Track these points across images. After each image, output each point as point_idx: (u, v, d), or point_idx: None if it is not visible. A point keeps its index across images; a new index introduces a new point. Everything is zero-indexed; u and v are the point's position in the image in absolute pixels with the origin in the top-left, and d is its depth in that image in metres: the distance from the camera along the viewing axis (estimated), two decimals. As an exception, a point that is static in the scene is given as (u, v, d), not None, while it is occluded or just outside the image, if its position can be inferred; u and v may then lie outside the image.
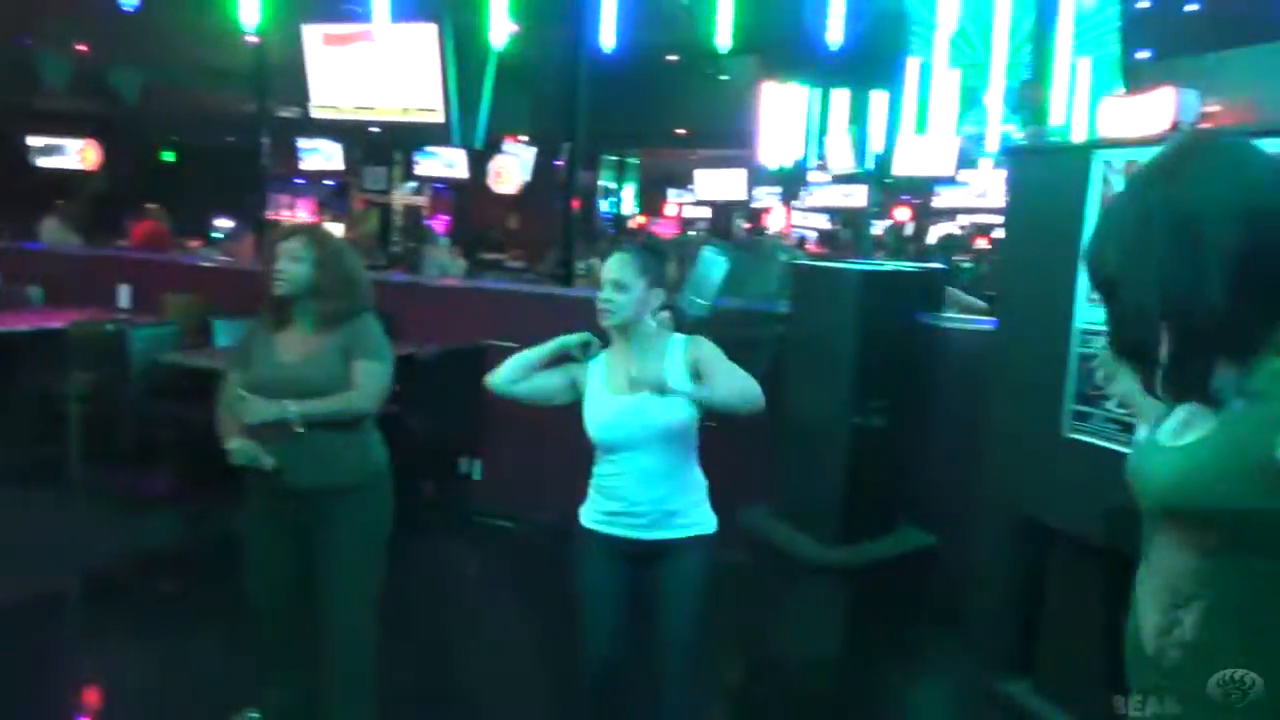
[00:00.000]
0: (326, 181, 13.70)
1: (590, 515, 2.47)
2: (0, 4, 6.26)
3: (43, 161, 11.85)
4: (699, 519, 2.44)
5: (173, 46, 7.73)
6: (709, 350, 2.39)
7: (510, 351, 2.51)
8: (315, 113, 5.45)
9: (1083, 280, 2.76)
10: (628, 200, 15.01)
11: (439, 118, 5.26)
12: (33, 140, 11.25)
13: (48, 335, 5.33)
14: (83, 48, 7.62)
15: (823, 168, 12.59)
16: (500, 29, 4.72)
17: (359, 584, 2.63)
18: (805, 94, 12.04)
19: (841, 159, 11.88)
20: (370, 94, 5.34)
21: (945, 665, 3.87)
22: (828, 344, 3.85)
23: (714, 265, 3.94)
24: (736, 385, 2.30)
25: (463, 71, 5.22)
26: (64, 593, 4.18)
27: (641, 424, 2.33)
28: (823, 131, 12.22)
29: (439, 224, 11.69)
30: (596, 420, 2.40)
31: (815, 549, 3.83)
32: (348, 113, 5.41)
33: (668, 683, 2.42)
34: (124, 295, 6.18)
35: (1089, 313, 2.80)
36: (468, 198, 12.39)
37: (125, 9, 4.50)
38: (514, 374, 2.47)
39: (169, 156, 13.30)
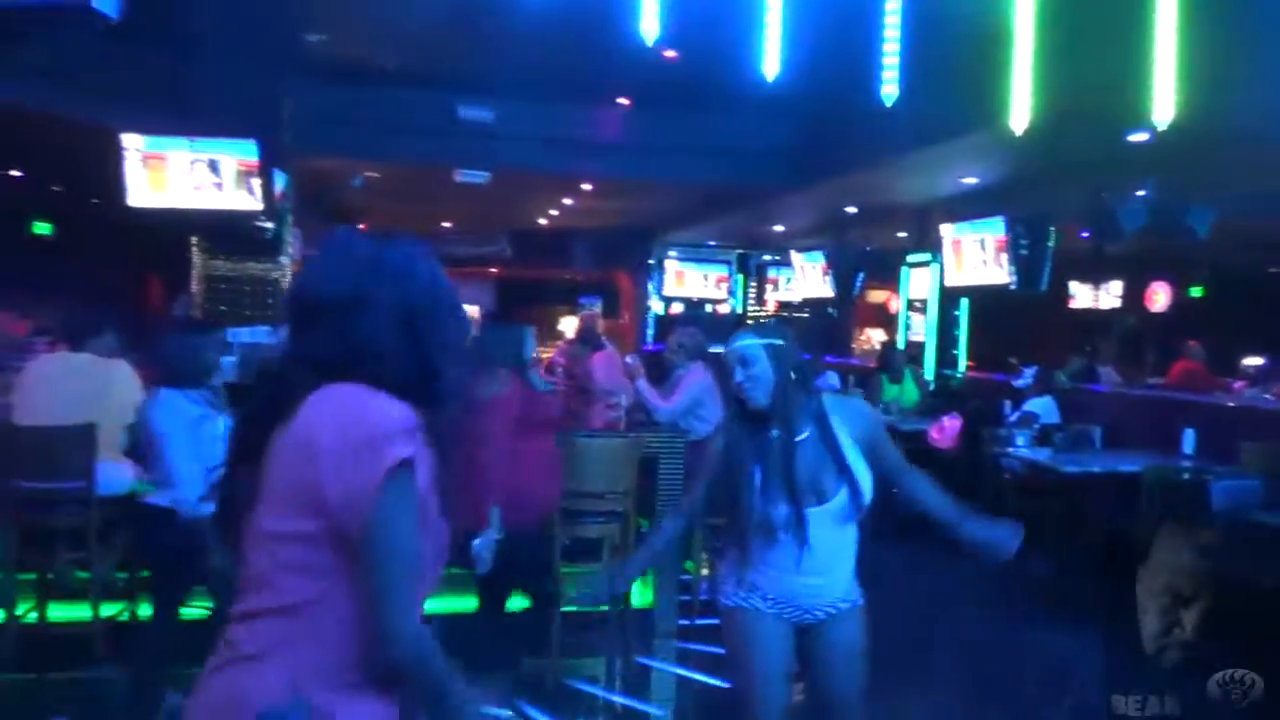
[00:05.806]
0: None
1: None
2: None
3: (1077, 304, 12.68)
4: None
5: (1252, 177, 7.44)
6: None
7: None
8: None
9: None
10: None
11: None
12: (1075, 284, 12.17)
13: (1117, 477, 5.45)
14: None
15: None
16: None
17: None
18: None
19: None
20: None
21: None
22: None
23: None
24: None
25: None
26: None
27: None
28: None
29: None
30: None
31: None
32: None
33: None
34: (1189, 439, 5.99)
35: None
36: None
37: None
38: None
39: (1196, 291, 12.83)
